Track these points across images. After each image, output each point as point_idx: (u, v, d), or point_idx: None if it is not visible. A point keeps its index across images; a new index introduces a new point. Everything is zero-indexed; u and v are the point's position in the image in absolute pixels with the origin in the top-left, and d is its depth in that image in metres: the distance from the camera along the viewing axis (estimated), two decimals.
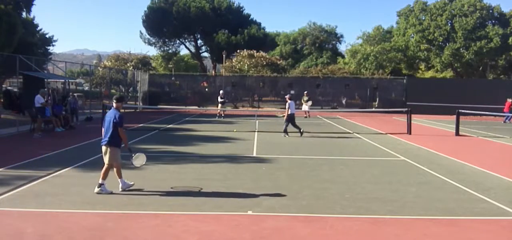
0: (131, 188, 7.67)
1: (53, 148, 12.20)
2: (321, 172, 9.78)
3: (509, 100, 27.60)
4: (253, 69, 41.03)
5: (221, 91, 26.94)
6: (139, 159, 8.04)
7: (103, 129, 7.77)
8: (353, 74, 44.15)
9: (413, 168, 10.53)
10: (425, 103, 30.63)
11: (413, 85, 34.56)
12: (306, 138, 16.11)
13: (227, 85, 37.24)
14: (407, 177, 9.40)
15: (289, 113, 16.19)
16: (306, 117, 25.07)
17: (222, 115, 25.62)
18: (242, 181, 8.59)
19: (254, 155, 12.01)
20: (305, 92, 26.79)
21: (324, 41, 60.32)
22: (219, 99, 26.01)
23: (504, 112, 27.12)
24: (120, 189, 7.49)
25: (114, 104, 7.84)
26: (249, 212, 6.51)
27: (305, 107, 25.64)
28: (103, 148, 7.61)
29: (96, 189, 7.33)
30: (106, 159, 7.55)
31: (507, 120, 27.27)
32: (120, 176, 7.55)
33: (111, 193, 7.33)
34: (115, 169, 7.53)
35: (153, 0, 52.26)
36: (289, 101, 16.31)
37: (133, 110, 30.63)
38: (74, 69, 72.97)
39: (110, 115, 7.62)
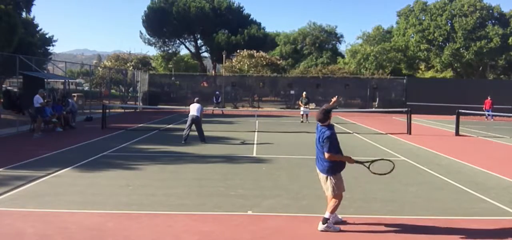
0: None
1: (53, 148, 12.20)
2: None
3: (489, 99, 28.46)
4: (253, 69, 41.02)
5: (216, 92, 30.87)
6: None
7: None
8: (353, 74, 44.15)
9: (413, 168, 10.53)
10: (425, 103, 30.64)
11: (413, 85, 34.55)
12: (306, 138, 16.11)
13: (227, 85, 37.25)
14: (407, 177, 9.39)
15: None
16: (303, 121, 22.52)
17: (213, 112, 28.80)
18: (242, 181, 8.59)
19: (254, 155, 12.01)
20: (304, 93, 23.97)
21: (324, 41, 60.27)
22: (214, 100, 30.05)
23: (485, 110, 28.10)
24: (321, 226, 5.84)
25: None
26: (249, 212, 6.51)
27: (303, 109, 22.84)
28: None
29: (322, 226, 5.78)
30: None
31: (489, 118, 27.94)
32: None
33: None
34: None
35: (153, 0, 52.26)
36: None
37: (133, 110, 30.64)
38: (74, 69, 72.98)
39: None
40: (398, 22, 50.77)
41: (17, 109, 22.41)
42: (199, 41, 58.12)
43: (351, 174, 9.50)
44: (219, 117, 26.65)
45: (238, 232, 5.70)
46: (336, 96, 6.58)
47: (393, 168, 6.08)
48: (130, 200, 7.06)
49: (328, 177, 5.78)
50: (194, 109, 14.35)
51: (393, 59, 47.90)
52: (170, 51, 58.06)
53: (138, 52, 60.37)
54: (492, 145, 15.88)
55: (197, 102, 14.67)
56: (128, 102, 35.95)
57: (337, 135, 5.89)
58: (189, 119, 14.28)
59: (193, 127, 14.29)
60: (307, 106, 23.09)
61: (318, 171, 5.97)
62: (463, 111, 19.43)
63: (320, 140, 5.70)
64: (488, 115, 27.96)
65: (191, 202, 7.00)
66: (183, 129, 14.72)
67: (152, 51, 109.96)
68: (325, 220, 5.76)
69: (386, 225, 6.10)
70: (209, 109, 28.12)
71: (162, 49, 57.55)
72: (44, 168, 9.28)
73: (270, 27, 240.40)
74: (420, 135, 17.72)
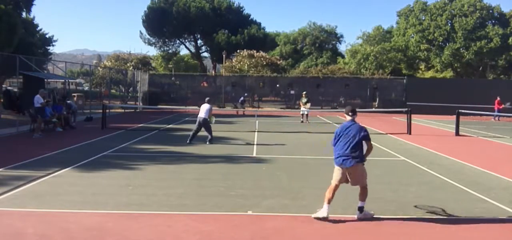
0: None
1: (53, 148, 12.20)
2: (321, 172, 9.77)
3: (498, 99, 28.47)
4: (253, 69, 41.02)
5: (245, 94, 31.78)
6: None
7: (335, 146, 6.39)
8: (353, 74, 44.15)
9: (413, 168, 10.53)
10: (425, 103, 30.63)
11: (413, 85, 34.56)
12: (306, 138, 16.12)
13: (227, 85, 37.25)
14: (407, 177, 9.39)
15: None
16: (302, 121, 22.49)
17: (237, 113, 28.86)
18: (242, 181, 8.59)
19: (254, 155, 12.00)
20: (304, 92, 23.89)
21: (324, 41, 60.32)
22: (240, 101, 30.16)
23: (496, 110, 27.90)
24: (358, 214, 6.29)
25: (351, 117, 6.53)
26: (249, 212, 6.50)
27: (303, 109, 22.88)
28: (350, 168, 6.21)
29: (359, 215, 6.21)
30: (356, 180, 6.31)
31: (495, 118, 27.78)
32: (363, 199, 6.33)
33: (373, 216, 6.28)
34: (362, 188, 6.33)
35: (153, 0, 52.26)
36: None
37: (133, 110, 30.64)
38: (74, 69, 73.05)
39: (354, 129, 6.33)
40: (398, 22, 50.79)
41: (17, 109, 22.41)
42: (199, 41, 58.15)
43: None
44: (221, 117, 26.62)
45: (238, 232, 5.69)
46: None
47: None
48: (130, 200, 7.06)
49: (363, 165, 6.30)
50: (203, 111, 13.89)
51: (393, 59, 47.91)
52: (170, 51, 58.07)
53: (138, 52, 60.46)
54: (492, 145, 15.88)
55: (208, 102, 14.14)
56: (128, 102, 35.94)
57: (334, 134, 6.59)
58: (197, 122, 13.91)
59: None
60: (305, 106, 22.97)
61: (349, 166, 6.20)
62: (463, 111, 19.43)
63: (363, 132, 6.28)
64: (496, 115, 27.72)
65: (191, 202, 7.00)
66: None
67: (152, 51, 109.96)
68: (361, 209, 6.24)
69: (386, 225, 6.10)
70: (235, 110, 29.32)
71: (162, 49, 57.58)
72: (44, 168, 9.28)
73: (270, 27, 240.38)
74: (420, 135, 17.72)
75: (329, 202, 6.15)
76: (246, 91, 37.49)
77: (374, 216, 6.35)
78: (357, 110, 7.33)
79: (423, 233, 5.82)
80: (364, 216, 6.21)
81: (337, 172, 6.32)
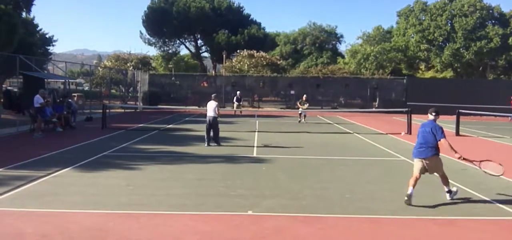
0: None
1: (53, 148, 12.20)
2: (321, 172, 9.78)
3: None
4: (253, 69, 41.02)
5: (238, 92, 30.31)
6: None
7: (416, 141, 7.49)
8: (353, 74, 44.15)
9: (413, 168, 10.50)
10: (425, 103, 30.52)
11: (413, 85, 34.54)
12: (306, 138, 16.11)
13: (227, 85, 37.24)
14: (407, 177, 9.31)
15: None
16: (300, 120, 23.07)
17: (241, 113, 27.92)
18: (242, 181, 8.59)
19: (254, 155, 12.00)
20: (304, 96, 24.33)
21: (324, 41, 60.27)
22: (236, 101, 29.21)
23: None
24: (449, 198, 7.35)
25: (433, 117, 7.46)
26: (249, 212, 6.51)
27: (301, 110, 23.26)
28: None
29: (449, 197, 7.32)
30: (433, 168, 7.33)
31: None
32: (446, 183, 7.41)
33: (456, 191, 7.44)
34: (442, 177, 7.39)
35: (153, 0, 52.24)
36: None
37: (133, 110, 30.64)
38: (74, 69, 72.98)
39: (429, 126, 7.31)
40: (398, 22, 50.73)
41: (17, 109, 22.42)
42: (199, 41, 58.11)
43: (351, 174, 9.52)
44: (221, 117, 26.57)
45: (238, 232, 5.70)
46: None
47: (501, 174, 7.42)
48: (130, 200, 7.06)
49: (438, 157, 7.15)
50: (210, 109, 13.43)
51: (393, 59, 47.90)
52: (170, 51, 58.02)
53: (138, 52, 60.39)
54: (492, 145, 15.88)
55: (214, 99, 13.70)
56: (128, 102, 35.94)
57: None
58: (207, 121, 13.48)
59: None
60: (303, 107, 23.29)
61: (425, 157, 7.14)
62: (463, 111, 19.42)
63: (433, 130, 7.12)
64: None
65: (191, 202, 7.00)
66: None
67: (152, 51, 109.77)
68: (450, 191, 7.23)
69: (386, 225, 6.10)
70: (230, 110, 28.63)
71: (162, 49, 57.52)
72: (44, 168, 9.28)
73: (270, 27, 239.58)
74: None
75: (413, 186, 7.01)
76: (246, 91, 37.47)
77: (373, 216, 6.35)
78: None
79: (423, 233, 5.82)
80: (454, 196, 7.23)
81: (416, 164, 7.28)
